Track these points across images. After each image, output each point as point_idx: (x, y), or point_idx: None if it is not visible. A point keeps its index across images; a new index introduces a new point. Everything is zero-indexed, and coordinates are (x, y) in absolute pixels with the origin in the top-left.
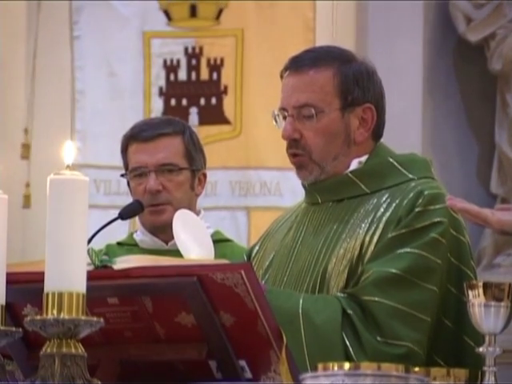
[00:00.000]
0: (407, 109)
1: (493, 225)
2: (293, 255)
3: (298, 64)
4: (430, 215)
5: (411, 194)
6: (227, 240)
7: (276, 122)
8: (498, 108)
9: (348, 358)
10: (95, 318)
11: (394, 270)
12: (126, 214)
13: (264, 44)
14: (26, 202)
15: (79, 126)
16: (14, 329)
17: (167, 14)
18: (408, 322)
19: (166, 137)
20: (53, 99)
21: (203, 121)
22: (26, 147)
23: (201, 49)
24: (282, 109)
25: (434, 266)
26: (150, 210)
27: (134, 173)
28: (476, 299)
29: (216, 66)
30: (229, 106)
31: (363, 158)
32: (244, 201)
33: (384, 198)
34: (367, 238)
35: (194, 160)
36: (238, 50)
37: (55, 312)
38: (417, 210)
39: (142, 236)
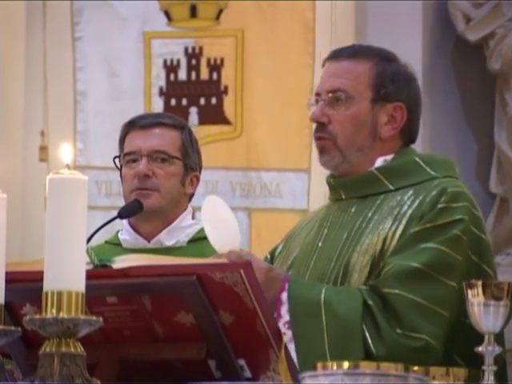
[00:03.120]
0: None
1: None
2: (316, 250)
3: (338, 54)
4: (452, 212)
5: (434, 191)
6: None
7: (310, 109)
8: (497, 107)
9: (366, 349)
10: (94, 318)
11: (415, 264)
12: (125, 213)
13: (264, 44)
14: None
15: (80, 127)
16: (13, 328)
17: (167, 14)
18: (427, 315)
19: (165, 127)
20: (55, 100)
21: (203, 121)
22: (44, 149)
23: (201, 49)
24: (317, 94)
25: (454, 262)
26: (136, 192)
27: (127, 158)
28: (475, 298)
29: (216, 66)
30: (229, 106)
31: (389, 157)
32: (245, 202)
33: (408, 195)
34: (390, 234)
35: (189, 157)
36: (238, 51)
37: (54, 311)
38: (439, 206)
39: (125, 235)
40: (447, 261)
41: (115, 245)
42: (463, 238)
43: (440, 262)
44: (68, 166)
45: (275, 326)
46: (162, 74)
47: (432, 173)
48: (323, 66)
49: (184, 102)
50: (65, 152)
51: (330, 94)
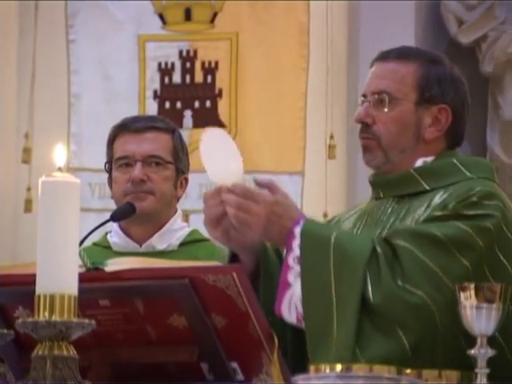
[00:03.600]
0: None
1: None
2: None
3: (385, 55)
4: (484, 207)
5: (464, 188)
6: (204, 240)
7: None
8: (489, 110)
9: (365, 294)
10: (87, 320)
11: (436, 233)
12: (117, 216)
13: (258, 47)
14: (28, 206)
15: (74, 129)
16: (5, 331)
17: (162, 17)
18: (431, 278)
19: (157, 131)
20: (49, 103)
21: (198, 124)
22: (27, 151)
23: (195, 52)
24: (363, 95)
25: (474, 245)
26: (131, 195)
27: (119, 162)
28: (468, 301)
29: (210, 70)
30: (223, 109)
31: (429, 158)
32: None
33: (441, 194)
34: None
35: (180, 160)
36: (232, 54)
37: (47, 314)
38: (472, 200)
39: (115, 238)
40: (468, 241)
41: (105, 247)
42: (492, 230)
43: (461, 240)
44: (60, 169)
45: (267, 329)
46: (157, 76)
47: (468, 174)
48: (371, 67)
49: (178, 105)
50: (58, 154)
51: (376, 96)
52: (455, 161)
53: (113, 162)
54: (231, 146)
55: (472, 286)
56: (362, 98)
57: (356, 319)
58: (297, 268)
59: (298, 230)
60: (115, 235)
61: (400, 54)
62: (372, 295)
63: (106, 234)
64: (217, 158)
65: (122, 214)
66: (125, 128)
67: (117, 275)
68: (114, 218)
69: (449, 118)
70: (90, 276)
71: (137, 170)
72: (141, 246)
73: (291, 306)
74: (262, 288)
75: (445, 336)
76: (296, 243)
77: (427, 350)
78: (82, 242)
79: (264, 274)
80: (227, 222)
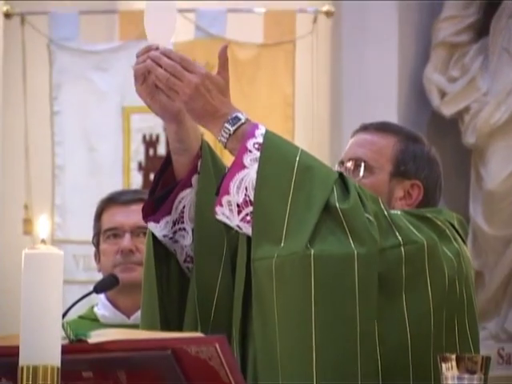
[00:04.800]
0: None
1: None
2: None
3: (366, 126)
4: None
5: None
6: None
7: None
8: (472, 181)
9: (329, 201)
10: None
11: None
12: (100, 287)
13: None
14: None
15: (58, 201)
16: None
17: None
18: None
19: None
20: (34, 174)
21: None
22: (28, 222)
23: None
24: (340, 162)
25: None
26: (121, 267)
27: (108, 233)
28: (449, 372)
29: None
30: None
31: None
32: None
33: None
34: None
35: None
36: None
37: None
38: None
39: (103, 310)
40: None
41: (92, 320)
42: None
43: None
44: (44, 241)
45: None
46: (141, 148)
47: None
48: (352, 137)
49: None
50: (41, 226)
51: (352, 162)
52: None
53: (101, 235)
54: (172, 5)
55: (453, 356)
56: (338, 165)
57: (318, 217)
58: (256, 153)
59: (259, 132)
60: (103, 307)
61: (380, 127)
62: (338, 202)
63: (92, 307)
64: (156, 15)
65: (106, 286)
66: (113, 201)
67: (99, 347)
68: (97, 289)
69: (420, 195)
70: (73, 347)
71: (126, 241)
72: (129, 317)
73: (241, 187)
74: (200, 180)
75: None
76: (259, 132)
77: None
78: (65, 314)
79: (205, 168)
80: (152, 79)
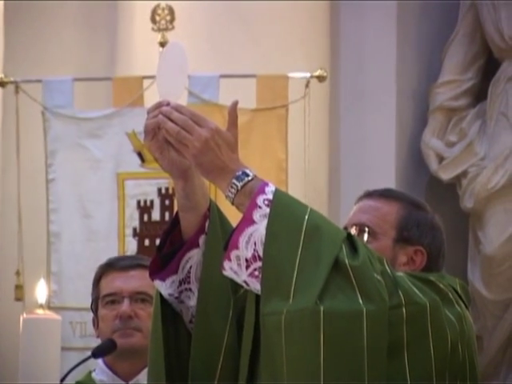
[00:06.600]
0: None
1: None
2: None
3: (371, 193)
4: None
5: None
6: None
7: None
8: (470, 245)
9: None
10: None
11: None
12: (98, 352)
13: None
14: None
15: (54, 268)
16: None
17: (140, 155)
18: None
19: (143, 268)
20: (29, 241)
21: None
22: (20, 289)
23: (174, 189)
24: (344, 227)
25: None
26: (119, 332)
27: (106, 299)
28: None
29: None
30: None
31: None
32: None
33: None
34: None
35: None
36: (211, 191)
37: None
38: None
39: (101, 375)
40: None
41: None
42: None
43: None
44: (42, 306)
45: None
46: (136, 214)
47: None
48: (356, 203)
49: (158, 242)
50: (40, 292)
51: (356, 227)
52: None
53: (99, 300)
54: (184, 64)
55: None
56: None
57: (327, 273)
58: (265, 209)
59: (269, 189)
60: (100, 372)
61: (384, 193)
62: (347, 259)
63: (90, 372)
64: (168, 73)
65: (104, 351)
66: (111, 266)
67: None
68: (95, 354)
69: (423, 261)
70: None
71: (125, 306)
72: (127, 382)
73: (250, 242)
74: (208, 241)
75: None
76: (269, 189)
77: None
78: (63, 379)
79: (212, 229)
80: (162, 134)
